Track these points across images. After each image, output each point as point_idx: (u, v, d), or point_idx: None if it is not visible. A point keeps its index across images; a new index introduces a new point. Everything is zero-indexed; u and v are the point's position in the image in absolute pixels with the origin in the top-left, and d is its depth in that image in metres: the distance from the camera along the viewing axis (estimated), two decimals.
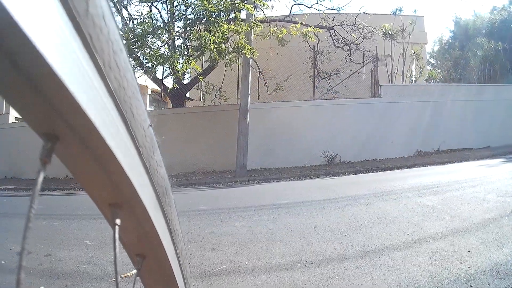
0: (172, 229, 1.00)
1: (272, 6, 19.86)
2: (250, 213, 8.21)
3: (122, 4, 18.31)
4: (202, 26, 16.80)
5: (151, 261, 0.97)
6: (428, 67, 31.86)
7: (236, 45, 15.57)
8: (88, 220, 8.20)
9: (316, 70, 20.59)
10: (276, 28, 17.88)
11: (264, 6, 17.15)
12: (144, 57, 16.01)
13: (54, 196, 12.93)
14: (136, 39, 15.55)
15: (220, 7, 15.45)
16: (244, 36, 15.58)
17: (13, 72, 0.44)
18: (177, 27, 18.72)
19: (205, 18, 15.46)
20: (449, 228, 5.97)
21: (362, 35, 20.41)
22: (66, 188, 14.39)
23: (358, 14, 20.97)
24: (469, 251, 4.82)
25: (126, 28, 17.13)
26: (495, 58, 24.36)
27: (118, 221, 0.74)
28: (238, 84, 19.22)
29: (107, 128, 0.57)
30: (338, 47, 20.52)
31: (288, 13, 20.70)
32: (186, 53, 17.46)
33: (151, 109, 26.06)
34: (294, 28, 18.09)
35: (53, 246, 6.34)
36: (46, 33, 0.42)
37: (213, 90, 20.66)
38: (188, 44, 18.53)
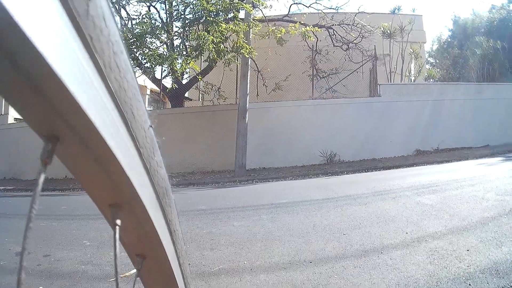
0: (172, 229, 1.00)
1: (271, 6, 19.98)
2: (249, 213, 8.21)
3: (120, 4, 18.30)
4: (200, 26, 16.77)
5: (151, 261, 0.97)
6: (427, 66, 31.87)
7: (235, 45, 15.57)
8: (87, 220, 8.20)
9: (314, 70, 20.58)
10: (274, 27, 17.91)
11: (262, 5, 17.20)
12: (143, 57, 16.01)
13: (53, 196, 12.92)
14: (134, 39, 15.54)
15: (218, 6, 15.44)
16: (242, 36, 15.57)
17: (13, 72, 0.44)
18: (176, 27, 18.73)
19: (204, 18, 15.44)
20: (448, 227, 5.97)
21: (360, 34, 20.43)
22: (65, 188, 14.38)
23: (357, 13, 21.01)
24: (468, 250, 4.82)
25: (124, 28, 17.12)
26: (494, 57, 24.37)
27: (118, 221, 0.74)
28: (236, 83, 19.20)
29: (107, 128, 0.57)
30: (336, 46, 20.55)
31: (286, 13, 20.75)
32: (184, 53, 17.45)
33: (150, 109, 26.06)
34: (293, 27, 18.13)
35: (52, 246, 6.34)
36: (46, 34, 0.43)
37: (212, 90, 20.64)
38: (186, 44, 18.52)
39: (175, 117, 18.50)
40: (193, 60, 16.27)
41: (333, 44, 20.54)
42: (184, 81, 20.48)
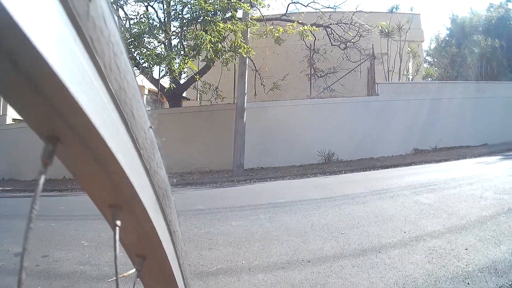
0: (172, 230, 1.00)
1: (269, 5, 20.00)
2: (247, 212, 8.22)
3: (118, 4, 18.29)
4: (198, 26, 16.77)
5: (151, 262, 0.97)
6: (425, 65, 31.84)
7: (233, 44, 15.58)
8: (85, 221, 8.20)
9: (312, 69, 20.58)
10: (272, 27, 17.86)
11: (260, 5, 17.16)
12: (141, 57, 15.99)
13: (52, 197, 12.91)
14: (132, 39, 15.53)
15: (216, 6, 15.46)
16: (240, 35, 15.57)
17: (13, 72, 0.44)
18: (174, 26, 18.72)
19: (202, 17, 15.45)
20: (446, 226, 5.98)
21: (358, 33, 20.41)
22: (64, 189, 14.38)
23: (355, 12, 21.02)
24: (466, 249, 4.83)
25: (122, 28, 17.11)
26: (492, 55, 24.38)
27: (118, 222, 0.74)
28: (234, 83, 19.16)
29: (107, 129, 0.57)
30: (334, 45, 20.54)
31: (284, 12, 20.68)
32: (182, 52, 17.46)
33: (148, 109, 26.07)
34: (291, 26, 18.13)
35: (50, 247, 6.34)
36: (46, 34, 0.42)
37: (209, 89, 20.63)
38: (184, 43, 18.54)
39: (173, 117, 18.49)
40: (190, 59, 16.25)
41: (331, 43, 20.53)
42: (182, 81, 20.45)
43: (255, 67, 19.54)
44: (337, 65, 20.37)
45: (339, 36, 20.40)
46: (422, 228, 5.98)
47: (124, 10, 18.97)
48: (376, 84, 19.34)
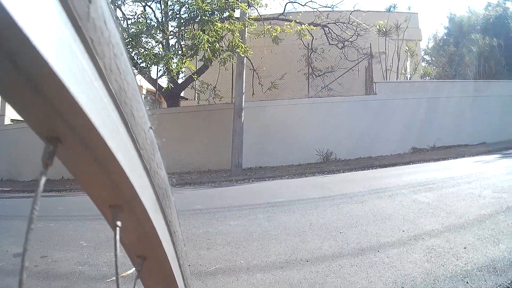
0: (172, 230, 1.00)
1: (266, 5, 20.00)
2: (245, 212, 8.22)
3: (116, 4, 18.29)
4: (196, 25, 16.79)
5: (151, 262, 0.97)
6: (423, 64, 31.90)
7: (230, 44, 15.59)
8: (83, 221, 8.21)
9: (310, 68, 20.59)
10: (270, 26, 17.86)
11: (258, 4, 17.16)
12: (138, 57, 15.98)
13: (50, 197, 12.91)
14: (130, 39, 15.53)
15: (214, 6, 15.48)
16: (238, 35, 15.57)
17: (14, 72, 0.44)
18: (171, 26, 18.72)
19: (199, 17, 15.47)
20: (445, 225, 5.98)
21: (356, 32, 20.43)
22: (62, 189, 14.38)
23: (352, 11, 21.03)
24: (465, 248, 4.83)
25: (120, 28, 17.09)
26: (490, 54, 24.43)
27: (118, 222, 0.75)
28: (232, 83, 19.25)
29: (108, 130, 0.58)
30: (332, 44, 20.58)
31: (282, 11, 20.69)
32: (180, 52, 17.46)
33: (147, 108, 26.03)
34: (288, 26, 18.14)
35: (49, 247, 6.33)
36: (46, 35, 0.43)
37: (207, 89, 20.66)
38: (182, 43, 18.53)
39: (171, 117, 18.48)
40: (188, 59, 16.24)
41: (329, 43, 20.56)
42: (179, 81, 20.43)
43: (253, 67, 19.58)
44: (335, 64, 20.38)
45: (336, 35, 20.43)
46: (420, 227, 5.98)
47: (121, 10, 18.99)
48: (374, 83, 19.34)
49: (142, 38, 16.31)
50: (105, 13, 0.53)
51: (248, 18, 16.62)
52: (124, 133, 0.65)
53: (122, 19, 18.62)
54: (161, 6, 18.62)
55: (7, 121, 20.98)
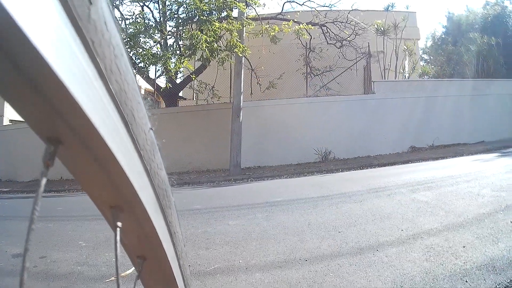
0: (173, 231, 1.01)
1: (264, 4, 19.99)
2: (244, 212, 8.22)
3: (114, 4, 18.27)
4: (194, 25, 16.78)
5: (151, 262, 0.97)
6: (421, 63, 32.00)
7: (228, 44, 15.58)
8: (82, 221, 8.21)
9: (308, 67, 20.58)
10: (268, 26, 17.85)
11: (256, 4, 17.15)
12: (137, 57, 15.98)
13: (49, 198, 12.91)
14: (128, 39, 15.52)
15: (212, 5, 15.47)
16: (236, 35, 15.56)
17: (14, 73, 0.44)
18: (169, 26, 18.74)
19: (197, 17, 15.45)
20: (443, 224, 5.98)
21: (354, 31, 20.43)
22: (61, 189, 14.37)
23: (350, 10, 21.04)
24: (464, 247, 4.83)
25: (119, 29, 17.11)
26: (488, 53, 24.47)
27: (119, 223, 0.75)
28: (230, 82, 19.19)
29: (108, 131, 0.58)
30: (330, 44, 20.57)
31: (280, 11, 20.69)
32: (178, 52, 17.46)
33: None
34: (286, 25, 18.13)
35: (48, 247, 6.33)
36: (47, 36, 0.43)
37: (206, 89, 20.64)
38: (180, 43, 18.55)
39: (170, 117, 18.47)
40: (186, 59, 16.25)
41: (327, 42, 20.55)
42: (178, 81, 20.47)
43: (251, 66, 19.56)
44: (333, 63, 20.35)
45: (335, 34, 20.41)
46: (419, 226, 5.98)
47: (119, 10, 18.97)
48: (372, 82, 19.35)
49: (140, 38, 16.32)
50: (105, 15, 0.53)
51: (246, 18, 16.62)
52: (124, 133, 0.65)
53: (120, 19, 18.59)
54: (159, 6, 18.63)
55: (6, 122, 20.95)
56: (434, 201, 7.53)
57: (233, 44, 15.28)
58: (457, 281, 3.87)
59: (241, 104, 16.32)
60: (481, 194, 7.65)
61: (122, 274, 4.01)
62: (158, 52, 16.47)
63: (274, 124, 17.99)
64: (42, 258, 5.79)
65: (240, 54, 15.74)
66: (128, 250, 0.93)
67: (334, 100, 18.95)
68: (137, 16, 17.77)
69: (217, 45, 15.76)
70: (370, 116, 18.57)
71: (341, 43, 20.45)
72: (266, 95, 19.83)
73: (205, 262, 5.21)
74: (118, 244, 0.73)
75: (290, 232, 6.34)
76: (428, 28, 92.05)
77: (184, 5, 16.51)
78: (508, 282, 3.74)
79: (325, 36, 20.46)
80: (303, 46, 20.38)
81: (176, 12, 17.70)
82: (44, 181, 0.53)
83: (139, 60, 15.99)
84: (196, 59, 17.31)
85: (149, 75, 18.88)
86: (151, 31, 16.74)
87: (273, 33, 17.67)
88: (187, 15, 16.49)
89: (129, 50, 15.89)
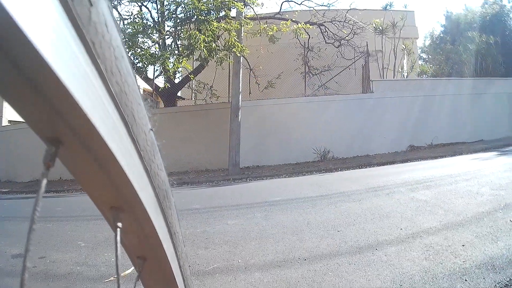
0: (173, 231, 1.01)
1: (262, 4, 20.02)
2: (243, 211, 8.22)
3: (112, 4, 18.25)
4: (192, 25, 16.78)
5: (151, 263, 0.98)
6: (420, 62, 32.01)
7: (227, 43, 15.57)
8: (81, 221, 8.22)
9: (307, 67, 20.57)
10: (266, 25, 17.85)
11: (254, 3, 17.17)
12: (135, 57, 15.97)
13: (48, 198, 12.89)
14: (126, 39, 15.50)
15: (210, 5, 15.46)
16: (234, 34, 15.55)
17: (16, 74, 0.44)
18: (168, 26, 18.75)
19: (195, 16, 15.45)
20: (443, 222, 5.99)
21: (352, 31, 20.42)
22: (60, 190, 14.36)
23: (349, 10, 21.02)
24: (463, 245, 4.83)
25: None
26: (487, 51, 24.50)
27: (119, 224, 0.75)
28: (229, 82, 19.18)
29: (109, 132, 0.58)
30: (328, 43, 20.57)
31: (278, 10, 20.69)
32: (176, 52, 17.48)
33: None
34: (285, 25, 18.12)
35: (47, 248, 6.33)
36: (48, 37, 0.43)
37: (204, 88, 20.61)
38: (178, 43, 18.55)
39: (168, 117, 18.46)
40: (185, 59, 16.24)
41: (325, 41, 20.54)
42: (176, 80, 20.47)
43: (250, 66, 19.54)
44: (331, 63, 20.31)
45: (333, 34, 20.42)
46: (418, 225, 5.98)
47: (118, 10, 18.97)
48: (370, 82, 19.36)
49: (138, 38, 16.31)
50: (106, 16, 0.54)
51: (244, 17, 16.63)
52: (125, 134, 0.65)
53: (119, 19, 18.58)
54: (157, 6, 18.65)
55: (5, 122, 20.94)
56: (433, 200, 7.53)
57: (231, 43, 15.28)
58: (457, 280, 3.87)
59: (240, 103, 16.35)
60: (480, 193, 7.66)
61: (122, 274, 4.01)
62: (157, 52, 16.46)
63: (273, 124, 18.00)
64: (42, 258, 5.80)
65: (238, 54, 15.75)
66: (128, 250, 0.93)
67: (332, 100, 18.95)
68: (135, 16, 17.79)
69: (215, 45, 15.76)
70: (369, 115, 18.57)
71: (340, 42, 20.45)
72: (265, 95, 19.82)
73: (204, 261, 5.22)
74: (119, 245, 0.73)
75: (289, 231, 6.34)
76: (426, 27, 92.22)
77: (182, 5, 16.48)
78: (507, 281, 3.74)
79: (323, 36, 20.47)
80: (302, 45, 20.39)
81: (174, 12, 17.71)
82: (44, 182, 0.52)
83: (137, 60, 15.97)
84: (194, 59, 17.34)
85: (148, 75, 18.91)
86: (149, 31, 16.75)
87: (272, 33, 17.69)
88: (185, 15, 16.48)
89: (127, 50, 15.81)
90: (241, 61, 16.80)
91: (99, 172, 0.64)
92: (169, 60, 16.30)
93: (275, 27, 17.60)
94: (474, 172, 10.28)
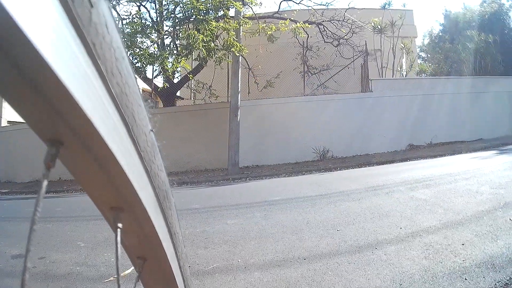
0: (173, 232, 1.02)
1: (261, 3, 19.89)
2: (242, 211, 8.22)
3: (111, 4, 18.24)
4: (191, 25, 16.79)
5: (152, 263, 0.98)
6: (419, 61, 32.01)
7: (225, 43, 15.56)
8: (81, 222, 8.22)
9: (306, 66, 20.55)
10: (265, 24, 17.85)
11: (252, 3, 17.15)
12: (134, 57, 15.95)
13: (48, 198, 12.86)
14: (125, 39, 15.47)
15: (208, 5, 15.45)
16: (233, 34, 15.54)
17: (15, 74, 0.44)
18: (166, 26, 18.70)
19: (194, 16, 15.46)
20: (442, 221, 5.99)
21: (351, 30, 20.38)
22: (60, 190, 14.34)
23: (347, 9, 20.95)
24: (463, 244, 4.83)
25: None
26: (486, 50, 24.55)
27: (119, 224, 0.75)
28: (228, 81, 19.18)
29: (109, 132, 0.58)
30: (327, 42, 20.54)
31: (277, 10, 20.67)
32: (175, 52, 17.49)
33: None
34: (283, 24, 18.12)
35: (47, 248, 6.33)
36: (48, 38, 0.43)
37: (203, 88, 20.59)
38: (177, 42, 18.55)
39: (168, 116, 18.45)
40: (183, 59, 16.23)
41: (324, 40, 20.51)
42: (175, 80, 20.45)
43: (248, 65, 19.51)
44: (330, 62, 20.31)
45: (332, 33, 20.38)
46: (418, 224, 5.99)
47: (116, 10, 18.95)
48: (369, 81, 19.36)
49: (137, 38, 16.29)
50: (106, 18, 0.54)
51: (243, 17, 16.61)
52: (125, 135, 0.65)
53: (117, 19, 18.57)
54: (155, 6, 18.62)
55: (4, 123, 20.94)
56: (433, 199, 7.54)
57: (230, 43, 15.27)
58: (456, 279, 3.87)
59: (239, 103, 16.34)
60: (479, 192, 7.66)
61: (122, 274, 4.01)
62: (155, 52, 16.43)
63: (272, 123, 18.00)
64: (41, 259, 5.79)
65: (237, 53, 15.74)
66: (128, 251, 0.93)
67: (331, 99, 18.96)
68: (134, 16, 17.76)
69: (214, 45, 15.75)
70: (368, 114, 18.59)
71: (338, 41, 20.42)
72: (264, 94, 19.81)
73: (204, 261, 5.22)
74: (119, 245, 0.73)
75: (288, 231, 6.34)
76: (425, 26, 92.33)
77: (181, 5, 16.48)
78: (507, 280, 3.74)
79: (322, 35, 20.44)
80: (300, 44, 20.40)
81: (173, 12, 17.68)
82: (45, 182, 0.52)
83: (136, 60, 15.94)
84: (193, 58, 17.34)
85: (146, 75, 18.87)
86: (148, 31, 16.73)
87: (270, 32, 17.70)
88: (184, 14, 16.49)
89: (126, 50, 15.88)
90: (240, 60, 16.78)
91: (100, 172, 0.64)
92: (168, 60, 16.32)
93: (273, 27, 17.60)
94: (473, 171, 10.29)
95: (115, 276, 0.74)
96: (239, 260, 5.17)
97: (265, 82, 19.79)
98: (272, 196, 9.66)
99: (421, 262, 4.41)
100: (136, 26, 16.14)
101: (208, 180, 14.69)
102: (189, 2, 15.19)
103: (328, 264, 4.68)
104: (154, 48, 17.35)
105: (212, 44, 15.40)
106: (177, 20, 16.99)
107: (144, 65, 16.20)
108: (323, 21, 20.21)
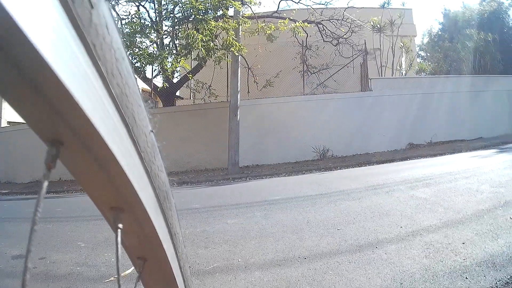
0: (173, 232, 1.02)
1: (260, 2, 19.91)
2: (242, 210, 8.21)
3: (110, 4, 18.20)
4: (190, 24, 16.79)
5: (152, 264, 0.98)
6: (418, 60, 31.99)
7: (225, 43, 15.55)
8: (81, 222, 8.22)
9: (305, 65, 20.55)
10: (264, 24, 17.85)
11: (251, 3, 17.16)
12: (133, 57, 15.94)
13: (48, 199, 12.80)
14: (124, 39, 15.46)
15: (207, 4, 15.46)
16: (232, 33, 15.54)
17: (15, 74, 0.44)
18: (165, 25, 18.71)
19: (193, 16, 15.47)
20: (443, 220, 5.99)
21: (350, 29, 20.39)
22: (60, 190, 14.34)
23: (346, 8, 20.94)
24: (463, 243, 4.83)
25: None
26: (485, 49, 24.54)
27: (120, 225, 0.75)
28: (227, 81, 19.19)
29: (109, 133, 0.58)
30: (326, 41, 20.53)
31: (276, 9, 20.67)
32: (174, 51, 17.48)
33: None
34: (282, 23, 18.11)
35: (47, 248, 6.32)
36: (48, 38, 0.43)
37: (202, 88, 20.58)
38: (176, 42, 18.55)
39: (167, 116, 18.45)
40: (183, 58, 16.23)
41: (323, 40, 20.50)
42: (174, 80, 20.45)
43: (248, 65, 19.51)
44: (329, 61, 20.30)
45: (331, 32, 20.38)
46: (418, 223, 5.98)
47: (115, 11, 18.95)
48: (369, 80, 19.38)
49: (136, 38, 16.30)
50: (107, 18, 0.54)
51: (242, 16, 16.62)
52: (125, 136, 0.66)
53: (116, 19, 18.56)
54: (154, 5, 18.63)
55: (4, 124, 20.95)
56: (433, 197, 7.53)
57: (229, 43, 15.27)
58: (457, 277, 3.87)
59: (238, 102, 16.35)
60: (480, 190, 7.66)
61: (122, 274, 4.00)
62: (155, 52, 16.43)
63: (272, 123, 18.01)
64: (42, 259, 5.79)
65: (236, 53, 15.74)
66: (128, 251, 0.93)
67: (331, 98, 18.96)
68: (133, 16, 17.75)
69: (213, 44, 15.76)
70: (368, 113, 18.60)
71: (338, 40, 20.42)
72: (263, 94, 19.81)
73: (204, 261, 5.21)
74: (119, 245, 0.73)
75: (288, 230, 6.34)
76: (424, 25, 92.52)
77: (180, 5, 16.50)
78: (508, 278, 3.74)
79: (321, 34, 20.44)
80: (300, 44, 20.41)
81: (172, 12, 17.70)
82: (46, 183, 0.53)
83: (135, 60, 15.94)
84: (192, 58, 17.33)
85: (146, 75, 18.86)
86: (147, 31, 16.75)
87: (269, 32, 17.70)
88: (183, 14, 16.52)
89: (125, 50, 15.87)
90: (239, 60, 16.78)
91: (100, 172, 0.64)
92: (167, 60, 16.35)
93: (273, 26, 17.60)
94: (473, 169, 10.29)
95: (116, 276, 0.73)
96: (239, 260, 5.17)
97: (265, 81, 19.79)
98: (272, 195, 9.66)
99: (421, 261, 4.41)
100: (135, 26, 16.15)
101: (208, 180, 14.69)
102: (188, 2, 15.22)
103: (328, 263, 4.68)
104: (154, 48, 17.38)
105: (211, 44, 15.42)
106: (176, 20, 17.03)
107: (144, 65, 16.20)
108: (322, 20, 20.20)
